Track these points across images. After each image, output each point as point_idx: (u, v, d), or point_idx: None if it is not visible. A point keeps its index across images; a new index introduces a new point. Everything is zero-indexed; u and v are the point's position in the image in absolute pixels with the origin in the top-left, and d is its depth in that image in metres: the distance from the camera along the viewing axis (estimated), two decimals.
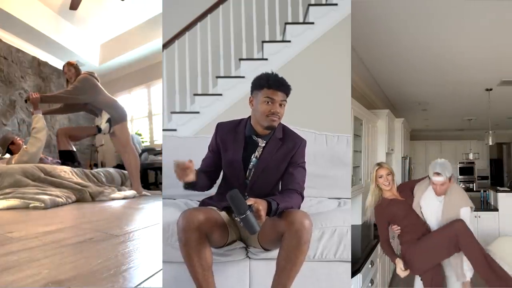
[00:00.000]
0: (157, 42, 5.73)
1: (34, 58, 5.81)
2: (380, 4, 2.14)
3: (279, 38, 3.25)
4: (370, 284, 1.98)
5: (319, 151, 1.96)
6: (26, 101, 3.85)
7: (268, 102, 1.28)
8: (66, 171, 3.57)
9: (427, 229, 1.87)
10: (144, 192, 4.08)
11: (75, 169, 3.78)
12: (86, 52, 6.42)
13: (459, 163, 7.15)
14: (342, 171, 1.97)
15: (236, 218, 1.11)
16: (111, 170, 4.47)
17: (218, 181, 1.45)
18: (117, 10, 5.51)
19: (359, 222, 2.82)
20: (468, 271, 1.77)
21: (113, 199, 3.43)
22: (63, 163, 3.88)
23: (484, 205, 3.79)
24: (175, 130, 2.93)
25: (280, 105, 1.29)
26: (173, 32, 3.20)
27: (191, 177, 1.22)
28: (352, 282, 1.60)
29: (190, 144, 1.92)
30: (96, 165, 6.61)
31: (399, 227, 1.89)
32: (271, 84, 1.28)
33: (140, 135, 6.61)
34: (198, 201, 1.46)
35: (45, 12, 5.38)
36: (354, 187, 2.64)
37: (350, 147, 2.03)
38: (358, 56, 2.97)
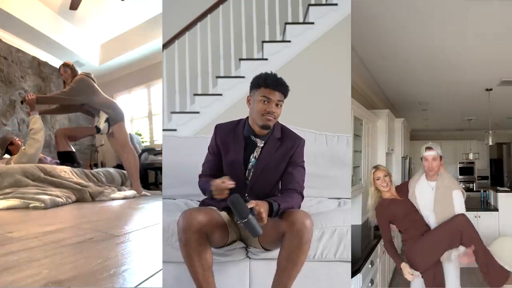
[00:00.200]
0: (157, 42, 5.73)
1: (34, 58, 5.81)
2: (380, 4, 2.14)
3: (279, 38, 3.25)
4: (370, 284, 1.98)
5: (319, 151, 1.96)
6: (22, 102, 3.86)
7: (264, 101, 1.28)
8: (66, 171, 3.57)
9: (428, 227, 1.88)
10: (144, 192, 4.08)
11: (75, 169, 3.78)
12: (86, 52, 6.42)
13: (459, 163, 7.15)
14: (342, 171, 1.97)
15: (238, 222, 1.11)
16: (111, 170, 4.48)
17: None
18: (117, 10, 5.51)
19: (359, 222, 2.82)
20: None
21: (113, 199, 3.43)
22: (62, 164, 3.88)
23: (484, 205, 3.79)
24: (175, 130, 2.93)
25: (277, 105, 1.29)
26: (173, 32, 3.20)
27: (226, 194, 1.21)
28: (352, 282, 1.60)
29: (190, 144, 1.92)
30: (96, 165, 6.61)
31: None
32: (268, 84, 1.28)
33: (140, 135, 6.61)
34: (198, 201, 1.47)
35: (45, 12, 5.38)
36: (354, 187, 2.64)
37: (350, 147, 2.03)
38: (358, 56, 2.97)
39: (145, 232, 1.58)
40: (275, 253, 1.21)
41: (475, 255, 1.73)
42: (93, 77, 4.04)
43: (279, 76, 1.31)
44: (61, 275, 0.93)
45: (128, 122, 6.96)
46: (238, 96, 2.91)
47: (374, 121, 3.41)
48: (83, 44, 6.31)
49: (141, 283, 0.89)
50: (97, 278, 0.90)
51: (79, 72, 4.04)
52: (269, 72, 1.32)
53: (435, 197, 1.85)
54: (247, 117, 1.37)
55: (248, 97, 1.35)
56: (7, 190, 2.96)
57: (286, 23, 3.12)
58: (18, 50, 5.48)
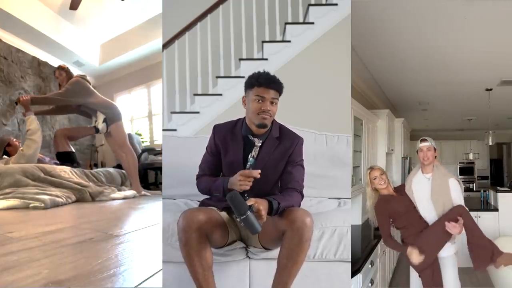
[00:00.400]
0: (157, 42, 5.73)
1: (34, 58, 5.81)
2: (380, 4, 2.14)
3: (279, 38, 3.25)
4: (370, 284, 1.98)
5: (319, 151, 1.96)
6: (16, 103, 3.86)
7: (258, 100, 1.28)
8: (66, 171, 3.57)
9: (426, 223, 1.89)
10: (144, 192, 4.08)
11: (75, 169, 3.78)
12: (86, 52, 6.42)
13: (459, 163, 7.14)
14: (342, 171, 1.97)
15: (237, 219, 1.11)
16: (111, 170, 4.48)
17: None
18: (117, 10, 5.51)
19: (359, 222, 2.82)
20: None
21: (113, 199, 3.43)
22: (61, 165, 3.88)
23: (484, 205, 3.78)
24: (175, 130, 2.93)
25: (272, 103, 1.29)
26: (173, 32, 3.20)
27: (249, 186, 1.21)
28: (352, 282, 1.60)
29: (190, 144, 1.92)
30: (96, 165, 6.61)
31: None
32: (261, 82, 1.28)
33: (140, 135, 6.61)
34: (198, 201, 1.46)
35: (45, 12, 5.38)
36: (354, 187, 2.63)
37: (350, 147, 2.03)
38: (358, 56, 2.97)
39: (145, 232, 1.58)
40: (275, 253, 1.21)
41: (469, 235, 1.79)
42: (88, 79, 4.08)
43: (272, 74, 1.31)
44: (61, 275, 0.93)
45: (128, 122, 6.96)
46: (238, 96, 2.89)
47: (374, 121, 3.41)
48: (83, 44, 6.31)
49: (141, 283, 0.89)
50: (97, 278, 0.90)
51: (75, 74, 4.09)
52: (261, 71, 1.32)
53: (432, 187, 1.88)
54: (245, 117, 1.38)
55: (243, 97, 1.36)
56: (7, 190, 2.96)
57: (286, 23, 3.12)
58: (18, 50, 5.48)
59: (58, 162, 3.99)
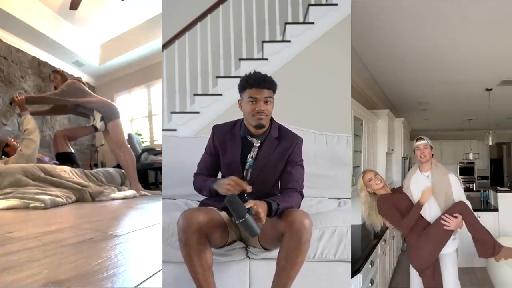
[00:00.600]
0: (157, 42, 5.73)
1: (34, 58, 5.81)
2: (380, 4, 2.14)
3: (279, 38, 3.25)
4: (370, 284, 1.98)
5: (319, 151, 1.96)
6: (11, 103, 3.87)
7: (252, 102, 1.28)
8: (66, 171, 3.57)
9: (427, 221, 1.88)
10: (144, 192, 4.08)
11: (75, 169, 3.78)
12: (86, 52, 6.42)
13: (459, 163, 7.14)
14: (342, 171, 1.97)
15: (236, 222, 1.11)
16: (111, 170, 4.47)
17: None
18: (117, 10, 5.51)
19: (359, 222, 2.81)
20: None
21: (113, 199, 3.43)
22: (61, 165, 3.88)
23: (484, 205, 3.78)
24: (175, 130, 2.93)
25: (266, 102, 1.29)
26: (173, 32, 3.20)
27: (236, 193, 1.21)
28: (352, 282, 1.60)
29: (190, 144, 1.92)
30: (96, 165, 6.62)
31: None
32: (251, 83, 1.28)
33: (140, 135, 6.61)
34: (198, 201, 1.46)
35: (45, 12, 5.38)
36: (354, 187, 2.63)
37: (350, 147, 2.03)
38: (358, 56, 2.97)
39: (145, 232, 1.58)
40: (275, 253, 1.21)
41: (471, 230, 1.82)
42: (83, 81, 4.15)
43: (267, 74, 1.31)
44: (61, 275, 0.93)
45: (128, 122, 6.96)
46: (238, 96, 2.89)
47: (374, 121, 3.41)
48: (83, 44, 6.31)
49: (141, 283, 0.89)
50: (97, 278, 0.90)
51: (72, 76, 4.17)
52: (252, 72, 1.32)
53: (433, 183, 1.88)
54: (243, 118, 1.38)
55: (239, 100, 1.36)
56: (7, 190, 2.96)
57: (286, 23, 3.12)
58: (18, 50, 5.49)
59: (57, 162, 3.99)
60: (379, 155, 3.47)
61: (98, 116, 4.05)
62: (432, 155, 1.94)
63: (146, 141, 6.69)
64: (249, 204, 1.11)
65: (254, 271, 1.41)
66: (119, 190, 3.89)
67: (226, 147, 1.37)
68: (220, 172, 1.43)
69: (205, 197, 1.41)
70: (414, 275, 1.92)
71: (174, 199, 1.81)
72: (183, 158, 1.83)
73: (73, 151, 4.24)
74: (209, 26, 3.21)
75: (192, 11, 3.21)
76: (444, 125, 6.60)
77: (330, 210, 1.75)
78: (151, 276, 0.95)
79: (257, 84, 1.28)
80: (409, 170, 4.22)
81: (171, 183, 1.85)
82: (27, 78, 5.63)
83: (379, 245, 2.27)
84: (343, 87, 2.64)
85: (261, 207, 1.11)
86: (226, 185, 1.20)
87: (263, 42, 3.10)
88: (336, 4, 3.04)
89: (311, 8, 3.10)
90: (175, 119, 3.01)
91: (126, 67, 6.82)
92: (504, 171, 7.47)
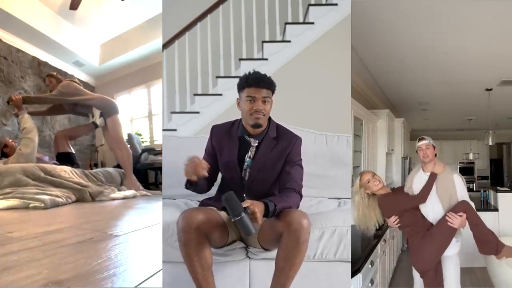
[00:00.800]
0: (157, 42, 5.73)
1: (34, 58, 5.81)
2: (380, 4, 2.14)
3: (279, 38, 3.25)
4: (370, 284, 1.98)
5: (319, 151, 1.96)
6: (8, 102, 3.88)
7: (250, 101, 1.28)
8: (66, 171, 3.58)
9: (429, 222, 1.88)
10: (145, 192, 4.08)
11: (75, 169, 3.78)
12: (86, 52, 6.42)
13: (459, 163, 7.14)
14: (342, 171, 1.97)
15: (231, 220, 1.11)
16: (111, 170, 4.47)
17: (218, 182, 1.45)
18: (117, 10, 5.51)
19: None
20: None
21: (113, 199, 3.43)
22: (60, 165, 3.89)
23: (484, 205, 3.78)
24: (175, 130, 2.93)
25: (264, 101, 1.29)
26: (173, 32, 3.20)
27: (204, 173, 1.21)
28: (352, 282, 1.60)
29: (190, 144, 1.92)
30: (96, 165, 6.61)
31: (396, 219, 1.89)
32: (250, 83, 1.29)
33: (140, 135, 6.61)
34: (198, 201, 1.47)
35: (45, 12, 5.38)
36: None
37: (350, 147, 2.03)
38: (358, 56, 2.97)
39: (145, 232, 1.58)
40: (275, 253, 1.21)
41: (474, 230, 1.82)
42: (78, 82, 4.22)
43: (267, 74, 1.31)
44: (61, 275, 0.93)
45: (128, 122, 6.96)
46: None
47: (374, 121, 3.41)
48: (83, 44, 6.31)
49: (141, 283, 0.89)
50: (97, 278, 0.90)
51: (72, 77, 4.22)
52: (251, 71, 1.32)
53: (437, 183, 1.86)
54: (241, 118, 1.38)
55: (237, 99, 1.36)
56: (7, 190, 2.96)
57: (286, 23, 3.12)
58: (18, 50, 5.49)
59: (57, 162, 3.99)
60: (379, 155, 3.47)
61: (97, 112, 4.09)
62: (436, 154, 1.93)
63: (146, 141, 6.69)
64: (246, 203, 1.10)
65: (254, 271, 1.41)
66: (119, 190, 3.89)
67: (224, 147, 1.37)
68: (220, 173, 1.43)
69: (206, 197, 1.41)
70: (417, 275, 1.92)
71: (174, 199, 1.81)
72: (183, 158, 1.82)
73: (73, 152, 4.25)
74: (209, 26, 3.21)
75: (192, 11, 3.21)
76: (444, 125, 6.60)
77: (330, 210, 1.74)
78: (151, 276, 0.95)
79: (255, 83, 1.28)
80: (409, 170, 4.24)
81: (171, 183, 1.84)
82: (27, 78, 5.63)
83: (379, 245, 2.27)
84: (343, 87, 2.64)
85: (257, 207, 1.11)
86: (184, 167, 1.20)
87: (263, 42, 3.10)
88: (336, 4, 3.04)
89: (311, 8, 3.10)
90: (175, 119, 3.01)
91: (126, 67, 6.82)
92: (504, 171, 7.46)
